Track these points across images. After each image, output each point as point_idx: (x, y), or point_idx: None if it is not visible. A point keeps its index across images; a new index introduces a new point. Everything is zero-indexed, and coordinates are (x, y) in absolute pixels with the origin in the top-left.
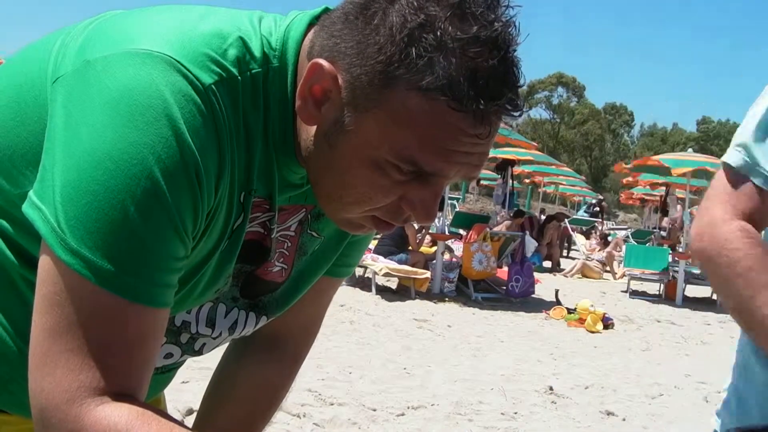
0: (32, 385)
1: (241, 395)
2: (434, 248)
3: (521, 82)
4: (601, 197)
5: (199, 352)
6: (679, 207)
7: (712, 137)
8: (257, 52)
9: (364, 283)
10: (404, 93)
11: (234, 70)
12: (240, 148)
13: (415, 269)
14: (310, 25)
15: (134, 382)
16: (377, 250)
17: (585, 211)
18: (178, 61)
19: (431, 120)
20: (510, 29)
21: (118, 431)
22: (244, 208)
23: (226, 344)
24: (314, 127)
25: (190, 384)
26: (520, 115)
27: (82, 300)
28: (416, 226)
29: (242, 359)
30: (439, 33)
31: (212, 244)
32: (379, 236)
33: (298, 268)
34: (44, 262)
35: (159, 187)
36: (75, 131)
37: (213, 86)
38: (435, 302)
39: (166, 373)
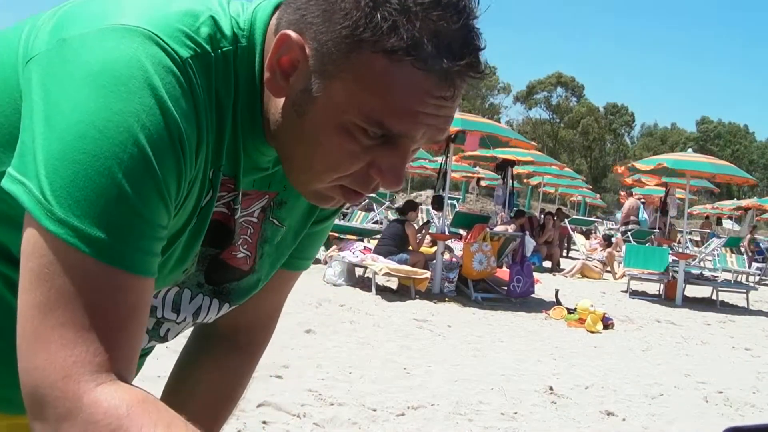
0: (23, 363)
1: (200, 391)
2: (434, 248)
3: (481, 47)
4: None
5: (165, 338)
6: (630, 199)
7: (712, 137)
8: (228, 31)
9: (364, 283)
10: (370, 56)
11: (207, 47)
12: (212, 123)
13: (415, 269)
14: (277, 8)
15: (129, 355)
16: (377, 250)
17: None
18: (157, 35)
19: (397, 81)
20: (470, 0)
21: (119, 415)
22: (213, 184)
23: (190, 329)
24: (282, 100)
25: None
26: (482, 78)
27: (72, 270)
28: (416, 226)
29: (201, 355)
30: None
31: (184, 220)
32: (378, 236)
33: (261, 257)
34: (30, 236)
35: (145, 153)
36: (55, 105)
37: (189, 60)
38: (435, 302)
39: None
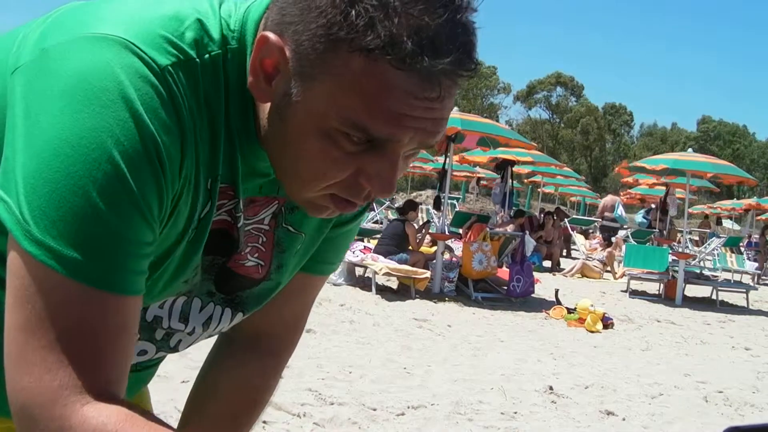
0: (11, 383)
1: (223, 396)
2: (434, 248)
3: (474, 41)
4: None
5: (175, 349)
6: (608, 196)
7: (712, 137)
8: (216, 34)
9: (364, 283)
10: (347, 56)
11: (191, 53)
12: (203, 131)
13: (415, 269)
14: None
15: (114, 374)
16: (377, 250)
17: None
18: (133, 43)
19: (376, 82)
20: None
21: (108, 431)
22: (212, 195)
23: (208, 339)
24: (269, 104)
25: (190, 383)
26: (472, 76)
27: (51, 292)
28: (416, 225)
29: (224, 359)
30: None
31: (178, 232)
32: (378, 236)
33: (279, 266)
34: (12, 256)
35: (120, 170)
36: (34, 120)
37: (170, 68)
38: (435, 302)
39: (142, 371)
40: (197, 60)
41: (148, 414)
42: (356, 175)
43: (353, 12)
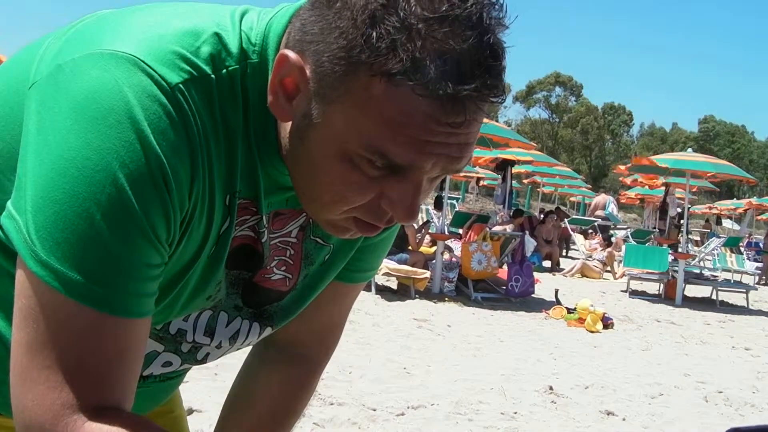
0: (14, 401)
1: (258, 404)
2: (434, 248)
3: (502, 65)
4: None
5: (203, 361)
6: (601, 195)
7: (712, 137)
8: (234, 48)
9: None
10: (368, 79)
11: (206, 68)
12: (219, 148)
13: (414, 269)
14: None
15: (117, 393)
16: None
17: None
18: (143, 61)
19: (398, 108)
20: (488, 9)
21: None
22: (230, 211)
23: (236, 351)
24: (290, 123)
25: (190, 384)
26: (501, 102)
27: (55, 313)
28: (416, 225)
29: (259, 367)
30: (402, 13)
31: (194, 250)
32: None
33: (306, 278)
34: (19, 275)
35: (124, 193)
36: (45, 138)
37: (181, 85)
38: (435, 302)
39: (166, 381)
40: (212, 76)
41: (153, 428)
42: (378, 199)
43: (374, 34)
